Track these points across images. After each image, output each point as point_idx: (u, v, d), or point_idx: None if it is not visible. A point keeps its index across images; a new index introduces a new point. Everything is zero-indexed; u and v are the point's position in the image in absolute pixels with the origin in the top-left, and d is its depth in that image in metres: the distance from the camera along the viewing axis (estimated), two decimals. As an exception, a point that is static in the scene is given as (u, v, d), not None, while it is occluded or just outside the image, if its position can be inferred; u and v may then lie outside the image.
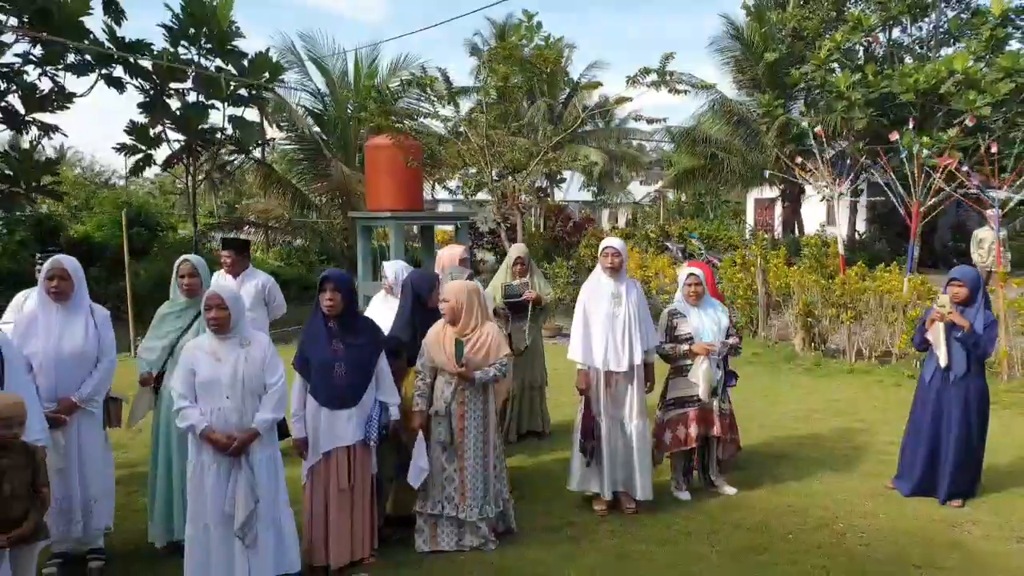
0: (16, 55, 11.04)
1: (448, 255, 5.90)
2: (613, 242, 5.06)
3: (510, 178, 11.64)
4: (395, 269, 5.24)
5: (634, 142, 30.12)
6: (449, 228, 17.19)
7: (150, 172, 15.14)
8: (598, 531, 4.72)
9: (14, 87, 11.16)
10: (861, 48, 19.07)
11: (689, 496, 5.20)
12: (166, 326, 4.50)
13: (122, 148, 13.29)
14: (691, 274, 5.25)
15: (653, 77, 11.48)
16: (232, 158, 14.09)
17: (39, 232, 13.59)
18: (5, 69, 10.96)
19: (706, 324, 5.15)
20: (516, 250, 6.47)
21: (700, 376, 5.02)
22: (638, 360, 4.91)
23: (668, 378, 5.26)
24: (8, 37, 10.78)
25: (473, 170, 12.10)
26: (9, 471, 3.42)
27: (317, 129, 15.64)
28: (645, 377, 5.00)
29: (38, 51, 11.13)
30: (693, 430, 5.11)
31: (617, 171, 27.64)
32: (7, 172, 11.25)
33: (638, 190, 32.33)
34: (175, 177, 15.77)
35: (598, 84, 13.02)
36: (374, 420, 4.22)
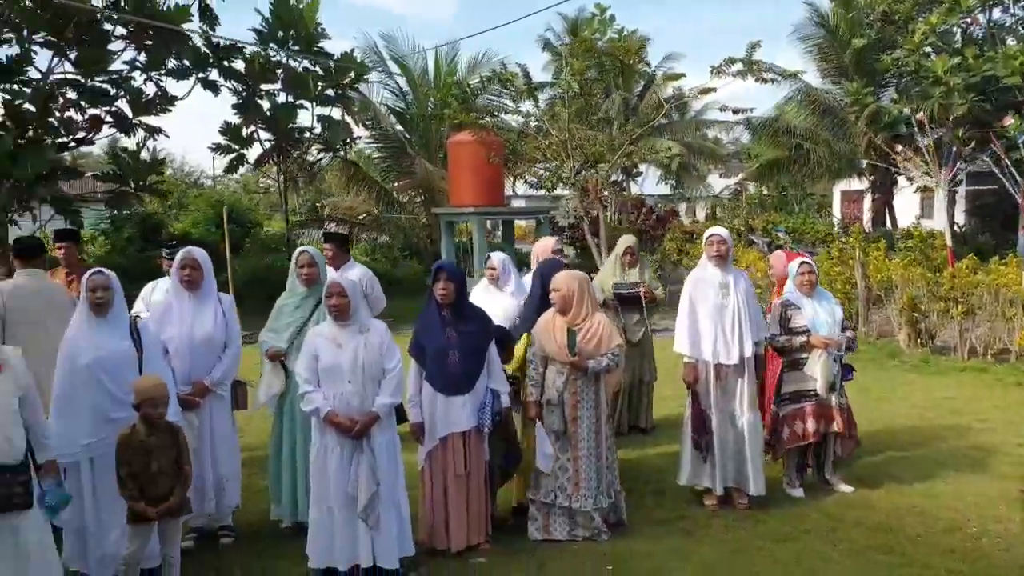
0: (124, 62, 11.61)
1: (541, 247, 5.92)
2: (718, 230, 4.97)
3: (592, 171, 11.58)
4: (501, 259, 5.29)
5: (710, 134, 29.54)
6: (525, 223, 17.30)
7: (237, 172, 15.71)
8: (711, 525, 4.65)
9: (122, 92, 11.73)
10: (958, 31, 18.16)
11: (803, 493, 5.06)
12: (285, 317, 4.64)
13: (217, 148, 13.82)
14: (804, 263, 5.12)
15: (739, 66, 11.26)
16: (319, 156, 14.48)
17: (143, 229, 14.29)
18: (115, 76, 11.53)
19: (821, 316, 5.01)
20: (625, 241, 6.42)
21: (818, 371, 4.89)
22: (749, 352, 4.81)
23: (782, 372, 5.13)
24: (117, 45, 11.33)
25: (551, 165, 12.11)
26: (156, 449, 3.62)
27: (400, 127, 15.92)
28: (755, 369, 4.91)
29: (143, 57, 11.68)
30: (811, 425, 4.98)
31: (694, 164, 27.17)
32: (117, 172, 11.84)
33: (717, 183, 31.66)
34: (264, 175, 16.30)
35: (681, 75, 12.87)
36: (487, 407, 4.28)
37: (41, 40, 11.25)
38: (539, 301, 4.77)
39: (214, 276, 4.52)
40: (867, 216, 22.73)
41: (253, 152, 14.21)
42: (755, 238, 14.91)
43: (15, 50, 10.61)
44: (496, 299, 5.39)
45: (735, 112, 11.65)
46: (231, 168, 13.81)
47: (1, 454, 3.27)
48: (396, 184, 15.80)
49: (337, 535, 3.88)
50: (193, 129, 36.46)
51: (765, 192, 29.53)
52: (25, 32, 10.75)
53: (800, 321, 5.00)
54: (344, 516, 3.86)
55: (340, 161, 15.14)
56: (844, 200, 27.27)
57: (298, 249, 4.75)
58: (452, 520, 4.21)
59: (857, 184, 23.08)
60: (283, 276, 4.83)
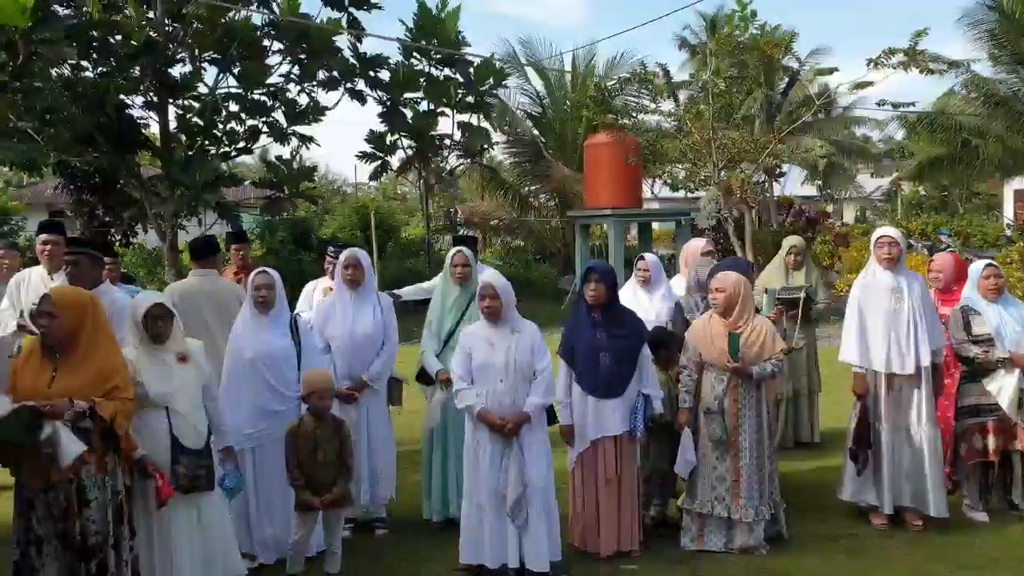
0: (280, 75, 12.38)
1: (692, 248, 5.73)
2: (889, 231, 4.61)
3: (738, 170, 11.16)
4: (654, 260, 5.17)
5: (857, 131, 27.81)
6: (659, 227, 16.89)
7: (380, 178, 16.37)
8: (884, 546, 4.31)
9: (278, 104, 12.49)
10: None
11: (987, 518, 4.60)
12: (439, 315, 4.72)
13: (363, 156, 14.47)
14: (990, 265, 4.67)
15: (899, 58, 10.51)
16: (459, 163, 14.83)
17: (294, 233, 15.16)
18: (272, 88, 12.30)
19: (1008, 323, 4.54)
20: (790, 241, 6.11)
21: (1007, 389, 4.43)
22: (926, 361, 4.42)
23: (960, 383, 4.70)
24: (274, 59, 12.09)
25: (692, 165, 11.76)
26: (323, 440, 3.78)
27: (536, 131, 16.04)
28: (934, 380, 4.51)
29: (296, 70, 12.41)
30: (992, 442, 4.53)
31: (842, 164, 25.64)
32: (273, 179, 12.61)
33: (868, 183, 29.74)
34: (404, 180, 16.81)
35: (833, 69, 12.13)
36: (639, 412, 4.17)
37: (209, 58, 12.22)
38: None
39: (375, 277, 4.68)
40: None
41: (395, 159, 14.77)
42: (913, 241, 13.83)
43: (188, 68, 11.56)
44: (645, 302, 5.27)
45: (895, 107, 10.86)
46: (375, 175, 14.41)
47: (188, 439, 3.53)
48: (531, 188, 15.92)
49: (486, 532, 3.91)
50: (334, 139, 38.55)
51: (923, 192, 27.46)
52: (196, 51, 11.71)
53: (982, 328, 4.55)
54: (493, 514, 3.89)
55: (477, 166, 15.45)
56: (1018, 200, 24.81)
57: (453, 249, 4.83)
58: (602, 525, 4.14)
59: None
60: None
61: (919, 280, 4.60)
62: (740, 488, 4.18)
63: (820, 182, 25.16)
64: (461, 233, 15.57)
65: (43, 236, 5.17)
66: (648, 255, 5.33)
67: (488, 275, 4.16)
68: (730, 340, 4.12)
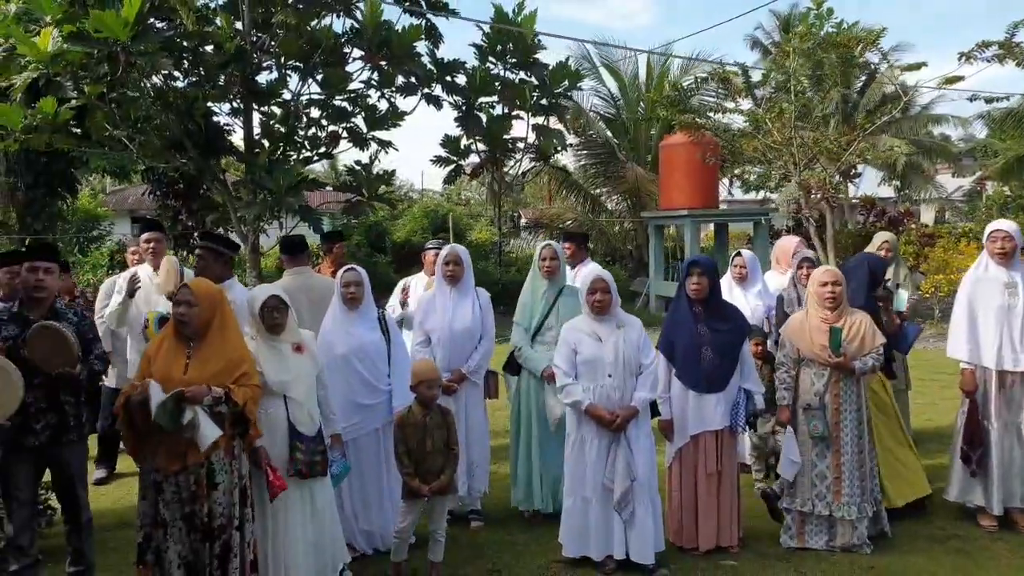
0: (361, 82, 12.69)
1: (784, 246, 5.69)
2: (1004, 224, 4.49)
3: (820, 169, 10.93)
4: (751, 257, 5.14)
5: (936, 130, 26.80)
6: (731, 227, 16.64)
7: (455, 182, 16.56)
8: (993, 548, 4.19)
9: (358, 109, 12.79)
10: None
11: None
12: (528, 310, 4.81)
13: (437, 160, 14.68)
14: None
15: (994, 50, 10.14)
16: (531, 165, 14.91)
17: (369, 236, 15.50)
18: (352, 94, 12.60)
19: None
20: (882, 236, 5.97)
21: None
22: (1039, 358, 4.29)
23: None
24: (355, 66, 12.40)
25: (773, 164, 11.57)
26: (431, 428, 3.88)
27: (609, 133, 16.02)
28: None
29: (376, 76, 12.69)
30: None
31: (919, 163, 24.75)
32: (353, 183, 12.92)
33: (949, 183, 28.61)
34: (464, 187, 16.91)
35: (922, 64, 11.76)
36: (740, 407, 4.16)
37: (293, 65, 12.59)
38: (865, 295, 4.48)
39: (473, 273, 4.78)
40: None
41: (467, 164, 14.96)
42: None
43: (273, 75, 11.94)
44: (740, 299, 5.24)
45: (988, 101, 10.48)
46: (450, 179, 14.59)
47: (304, 426, 3.69)
48: (603, 190, 15.90)
49: (592, 525, 3.96)
50: (401, 146, 39.18)
51: (1008, 192, 26.26)
52: (282, 59, 12.09)
53: None
54: (599, 507, 3.93)
55: (551, 168, 15.52)
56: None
57: (542, 243, 4.93)
58: (701, 519, 4.14)
59: None
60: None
61: (1033, 276, 4.46)
62: (842, 485, 4.12)
63: (898, 182, 24.35)
64: (568, 230, 15.64)
65: (147, 235, 5.47)
66: (745, 251, 5.30)
67: (596, 270, 4.20)
68: (831, 334, 4.07)
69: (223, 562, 3.32)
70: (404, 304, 5.55)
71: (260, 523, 3.64)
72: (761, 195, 14.67)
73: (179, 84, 10.87)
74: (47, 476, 3.85)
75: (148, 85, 10.81)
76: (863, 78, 21.86)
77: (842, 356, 4.06)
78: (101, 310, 5.50)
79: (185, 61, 10.48)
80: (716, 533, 4.17)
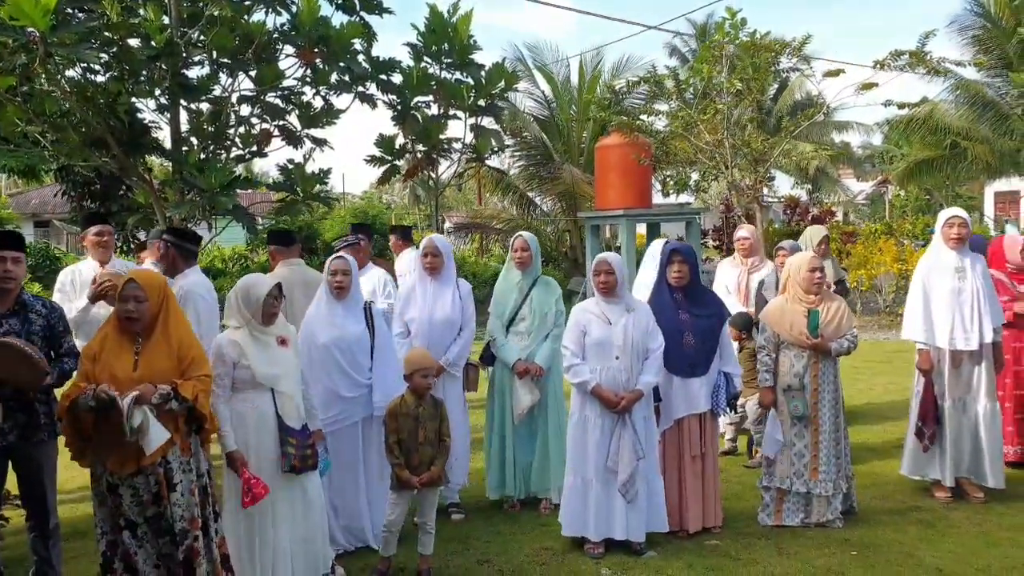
0: (295, 79, 12.38)
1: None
2: (958, 211, 4.80)
3: (748, 170, 11.38)
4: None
5: (837, 138, 28.36)
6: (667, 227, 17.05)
7: (359, 188, 16.35)
8: (950, 517, 4.47)
9: (292, 107, 12.47)
10: None
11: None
12: (503, 300, 4.83)
13: (372, 160, 14.47)
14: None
15: (905, 59, 10.79)
16: (469, 166, 14.91)
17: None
18: (286, 92, 12.27)
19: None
20: (819, 231, 6.29)
21: None
22: (988, 338, 4.61)
23: None
24: (287, 63, 12.07)
25: (698, 167, 11.97)
26: (424, 419, 3.83)
27: (544, 135, 16.18)
28: (994, 356, 4.68)
29: (309, 73, 12.40)
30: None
31: (824, 168, 26.13)
32: (286, 183, 12.56)
33: (854, 187, 30.34)
34: (400, 186, 16.70)
35: (840, 71, 12.43)
36: (721, 390, 4.29)
37: (224, 61, 12.15)
38: None
39: (454, 264, 4.76)
40: (1026, 217, 21.17)
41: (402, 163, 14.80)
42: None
43: (205, 71, 11.50)
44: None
45: (900, 107, 11.15)
46: (384, 179, 14.41)
47: (292, 420, 3.59)
48: (538, 191, 16.04)
49: (592, 505, 4.00)
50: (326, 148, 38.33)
51: (902, 195, 28.03)
52: (214, 54, 11.65)
53: None
54: (600, 488, 3.98)
55: (486, 169, 15.55)
56: (998, 201, 25.47)
57: (515, 235, 4.94)
58: (689, 501, 4.24)
59: (1017, 183, 21.51)
60: None
61: (980, 260, 4.78)
62: (819, 463, 4.31)
63: (809, 186, 25.60)
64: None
65: (98, 227, 5.21)
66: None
67: (604, 253, 4.24)
68: (810, 317, 4.25)
69: (189, 566, 3.15)
70: None
71: (246, 519, 3.51)
72: (682, 198, 15.11)
73: (100, 78, 10.33)
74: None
75: (64, 79, 10.23)
76: (775, 86, 22.90)
77: (820, 338, 4.24)
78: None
79: (105, 55, 9.99)
80: (702, 514, 4.28)
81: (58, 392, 3.60)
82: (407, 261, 7.05)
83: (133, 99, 11.05)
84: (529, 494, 4.78)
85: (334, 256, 4.30)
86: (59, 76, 9.56)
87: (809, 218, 13.42)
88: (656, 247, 5.97)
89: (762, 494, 4.46)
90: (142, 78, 9.90)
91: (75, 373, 3.37)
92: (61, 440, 3.55)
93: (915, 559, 3.93)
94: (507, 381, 4.72)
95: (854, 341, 4.34)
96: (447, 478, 4.03)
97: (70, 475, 4.80)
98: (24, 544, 4.04)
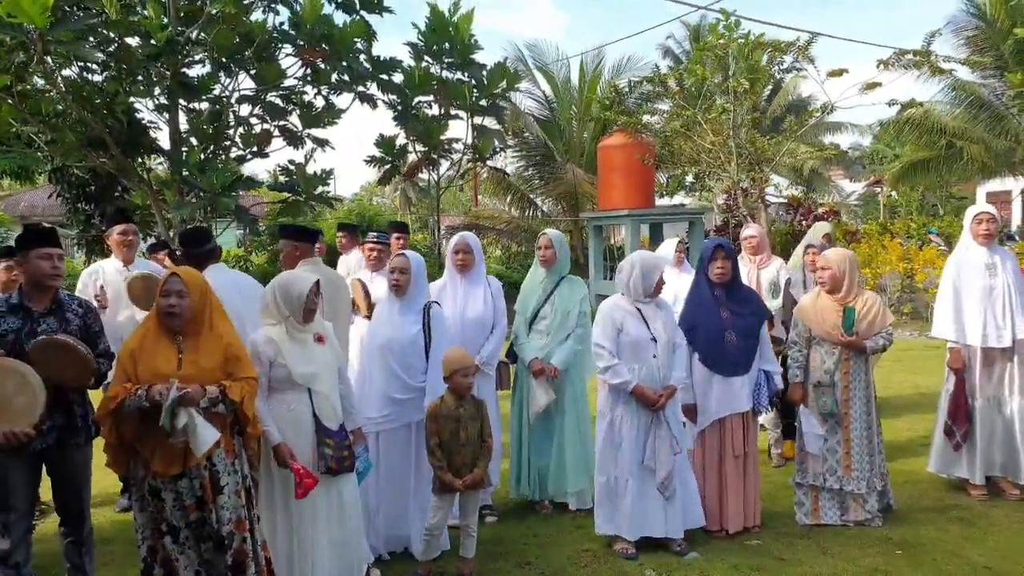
0: (296, 78, 12.26)
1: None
2: (987, 207, 4.79)
3: (755, 171, 11.38)
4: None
5: (829, 139, 28.57)
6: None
7: (352, 191, 16.23)
8: (990, 515, 4.44)
9: (293, 107, 12.35)
10: None
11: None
12: (527, 299, 4.78)
13: (371, 160, 14.36)
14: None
15: (909, 58, 10.84)
16: (469, 166, 14.83)
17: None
18: (287, 91, 12.15)
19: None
20: (823, 228, 6.28)
21: None
22: (1021, 334, 4.58)
23: None
24: (288, 61, 11.95)
25: (702, 167, 11.96)
26: (465, 419, 3.75)
27: (545, 136, 16.13)
28: (1027, 352, 4.67)
29: (310, 73, 12.28)
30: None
31: (817, 170, 26.30)
32: (288, 183, 12.44)
33: (848, 187, 30.55)
34: (389, 188, 16.62)
35: (843, 71, 12.45)
36: (762, 388, 4.24)
37: (226, 60, 12.00)
38: None
39: (484, 262, 4.69)
40: (1017, 218, 21.34)
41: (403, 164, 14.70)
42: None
43: (206, 69, 11.36)
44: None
45: (905, 107, 11.19)
46: (384, 179, 14.31)
47: (329, 420, 3.50)
48: (539, 191, 15.98)
49: (627, 505, 3.93)
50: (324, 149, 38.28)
51: (894, 195, 28.21)
52: (214, 53, 11.50)
53: None
54: (637, 487, 3.91)
55: (488, 170, 15.48)
56: (990, 201, 25.66)
57: (540, 233, 4.89)
58: (731, 501, 4.18)
59: (1010, 184, 21.67)
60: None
61: (1011, 257, 4.76)
62: (851, 460, 4.26)
63: (804, 187, 25.73)
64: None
65: (123, 226, 5.12)
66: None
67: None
68: (845, 314, 4.20)
69: (238, 569, 3.08)
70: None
71: (284, 522, 3.44)
72: (677, 199, 15.12)
73: (97, 78, 10.16)
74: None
75: (61, 78, 10.07)
76: (770, 87, 22.99)
77: (854, 335, 4.20)
78: None
79: (102, 53, 9.86)
80: (743, 514, 4.23)
81: (92, 395, 3.51)
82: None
83: (131, 99, 10.90)
84: (544, 497, 4.71)
85: (396, 254, 4.19)
86: (55, 75, 9.39)
87: (812, 217, 13.46)
88: (667, 247, 5.91)
89: (796, 492, 4.41)
90: (140, 77, 9.75)
91: (109, 374, 3.28)
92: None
93: (962, 558, 3.90)
94: (526, 379, 4.67)
95: (889, 338, 4.30)
96: (489, 480, 3.95)
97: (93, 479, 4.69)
98: (49, 552, 3.95)
